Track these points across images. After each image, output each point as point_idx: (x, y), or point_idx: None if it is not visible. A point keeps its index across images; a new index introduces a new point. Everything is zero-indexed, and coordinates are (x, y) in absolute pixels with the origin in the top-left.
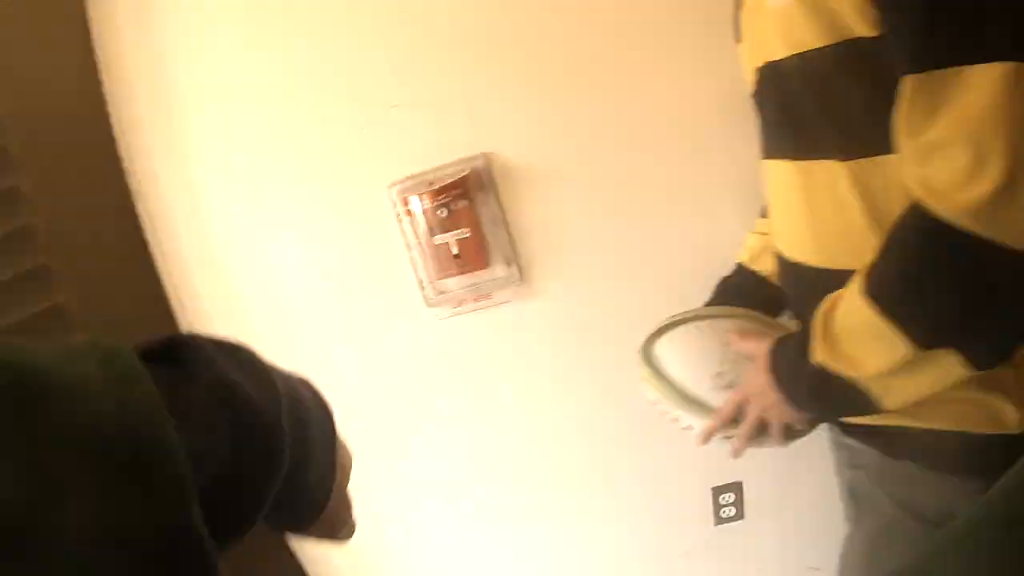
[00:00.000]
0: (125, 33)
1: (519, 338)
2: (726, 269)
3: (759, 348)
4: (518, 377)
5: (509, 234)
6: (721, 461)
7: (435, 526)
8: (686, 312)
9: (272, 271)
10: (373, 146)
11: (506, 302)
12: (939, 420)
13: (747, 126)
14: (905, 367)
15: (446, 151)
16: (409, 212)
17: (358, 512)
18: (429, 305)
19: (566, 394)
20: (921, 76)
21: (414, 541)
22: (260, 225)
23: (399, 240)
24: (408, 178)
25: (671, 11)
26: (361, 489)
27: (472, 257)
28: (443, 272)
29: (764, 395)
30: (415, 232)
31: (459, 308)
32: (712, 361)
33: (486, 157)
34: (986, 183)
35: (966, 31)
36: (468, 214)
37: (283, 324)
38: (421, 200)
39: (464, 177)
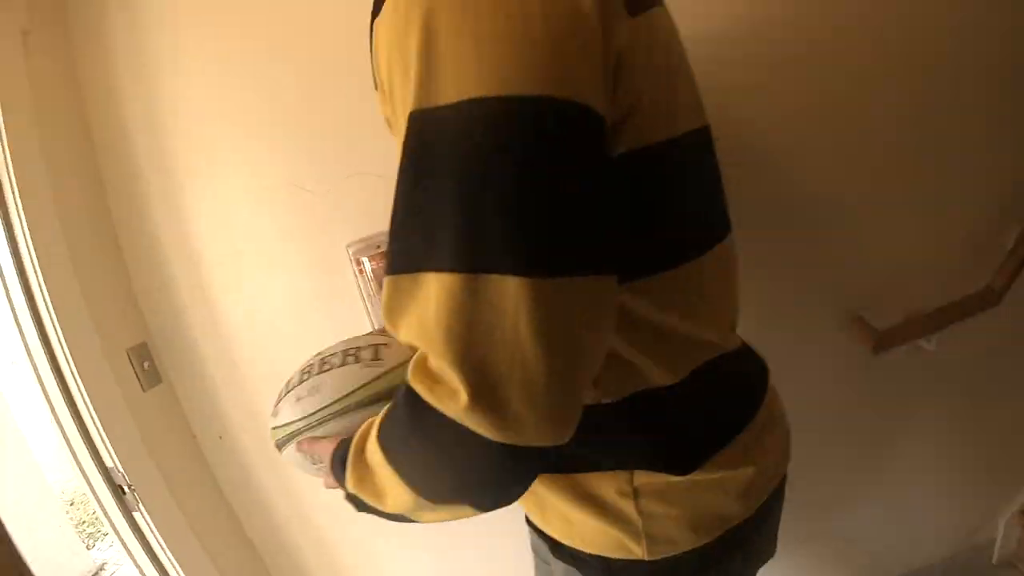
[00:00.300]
0: (121, 100)
1: None
2: None
3: (326, 456)
4: None
5: None
6: None
7: (358, 545)
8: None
9: (254, 312)
10: (335, 210)
11: None
12: (579, 542)
13: None
14: (422, 505)
15: None
16: (361, 271)
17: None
18: None
19: None
20: (392, 277)
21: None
22: (244, 273)
23: (356, 292)
24: (360, 240)
25: None
26: (293, 517)
27: None
28: None
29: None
30: (367, 287)
31: None
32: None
33: None
34: (455, 395)
35: (424, 237)
36: None
37: (257, 356)
38: (370, 261)
39: None
